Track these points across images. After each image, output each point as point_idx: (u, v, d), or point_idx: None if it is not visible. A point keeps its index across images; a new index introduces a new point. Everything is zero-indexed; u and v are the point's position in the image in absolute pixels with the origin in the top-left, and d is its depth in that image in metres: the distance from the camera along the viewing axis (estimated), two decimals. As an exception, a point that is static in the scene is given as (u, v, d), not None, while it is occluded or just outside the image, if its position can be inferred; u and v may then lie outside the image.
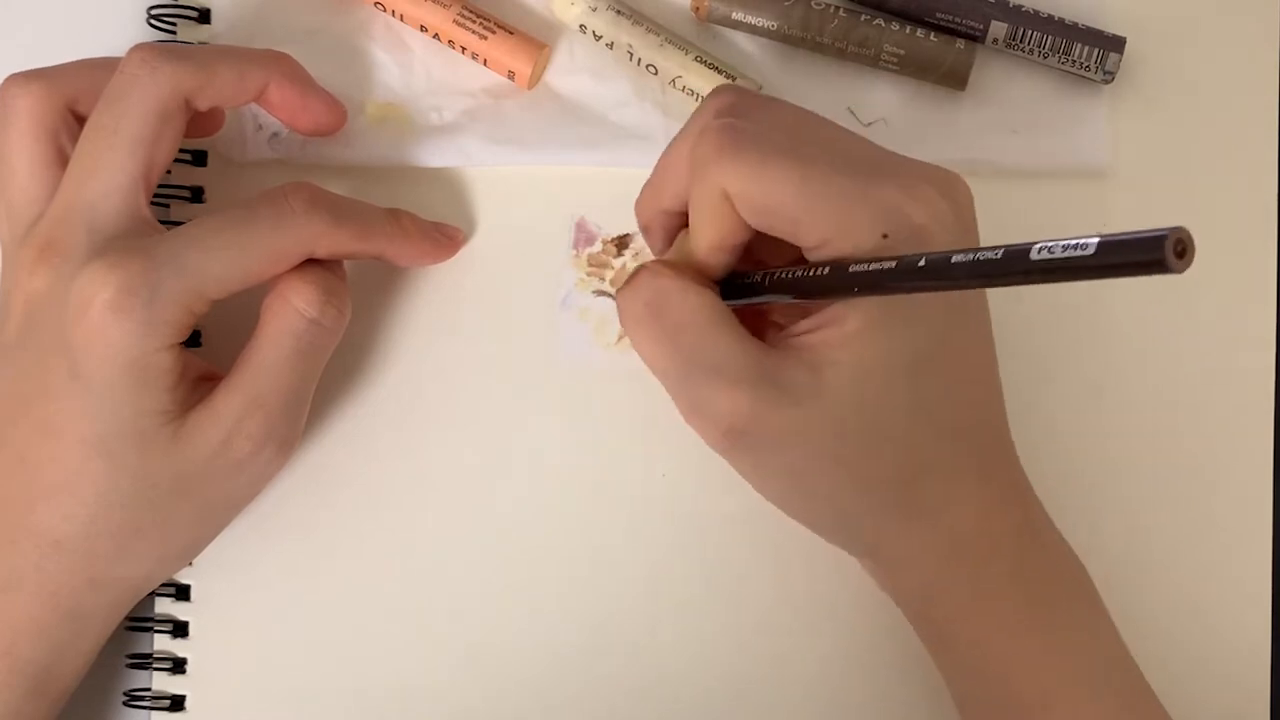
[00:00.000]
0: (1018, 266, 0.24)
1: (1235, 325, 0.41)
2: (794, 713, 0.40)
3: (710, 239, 0.33)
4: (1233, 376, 0.41)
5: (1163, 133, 0.41)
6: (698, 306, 0.33)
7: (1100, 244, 0.22)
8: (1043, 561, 0.35)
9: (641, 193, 0.36)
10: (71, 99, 0.36)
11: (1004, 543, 0.34)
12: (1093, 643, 0.35)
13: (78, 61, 0.37)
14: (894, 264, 0.28)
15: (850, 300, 0.32)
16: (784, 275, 0.32)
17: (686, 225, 0.35)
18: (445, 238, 0.40)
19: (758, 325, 0.34)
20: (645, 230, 0.37)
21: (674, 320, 0.33)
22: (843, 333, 0.32)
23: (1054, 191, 0.41)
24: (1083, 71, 0.40)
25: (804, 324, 0.33)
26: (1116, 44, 0.40)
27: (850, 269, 0.30)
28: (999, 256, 0.25)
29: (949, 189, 0.33)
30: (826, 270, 0.31)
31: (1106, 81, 0.40)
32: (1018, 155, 0.41)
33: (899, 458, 0.33)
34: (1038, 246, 0.23)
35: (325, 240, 0.36)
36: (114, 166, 0.34)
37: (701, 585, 0.41)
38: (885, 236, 0.31)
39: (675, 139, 0.35)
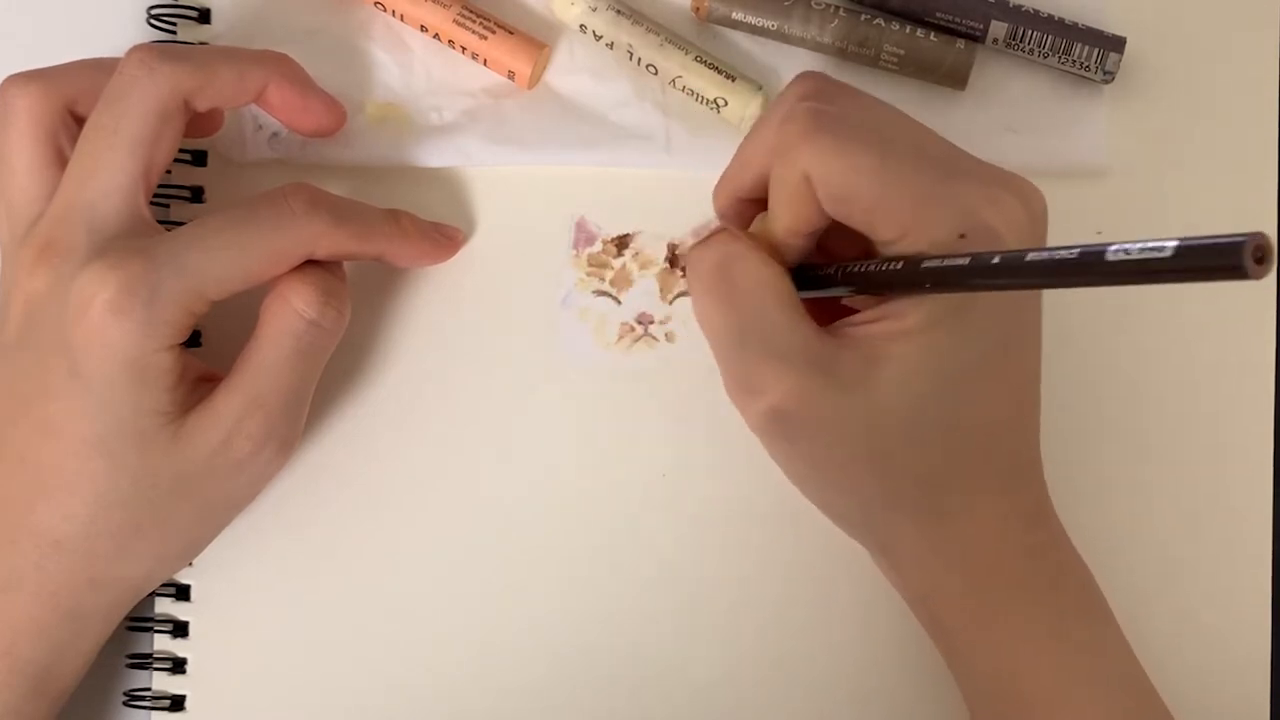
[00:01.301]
0: (1093, 267, 0.24)
1: (1235, 325, 0.41)
2: (795, 713, 0.40)
3: (787, 223, 0.33)
4: (1232, 377, 0.41)
5: (1163, 133, 0.41)
6: (764, 278, 0.33)
7: (1178, 247, 0.22)
8: (1056, 574, 0.35)
9: (720, 179, 0.36)
10: (70, 99, 0.36)
11: (1019, 554, 0.34)
12: (1101, 654, 0.35)
13: (77, 62, 0.37)
14: (968, 260, 0.28)
15: (913, 299, 0.32)
16: (857, 268, 0.32)
17: (763, 212, 0.35)
18: (445, 238, 0.40)
19: (828, 319, 0.34)
20: (722, 218, 0.37)
21: (738, 285, 0.33)
22: (902, 327, 0.32)
23: (1054, 191, 0.41)
24: (1083, 71, 0.40)
25: (865, 314, 0.33)
26: (1116, 44, 0.40)
27: (923, 264, 0.30)
28: (1075, 256, 0.24)
29: (1026, 197, 0.33)
30: (900, 265, 0.31)
31: (1106, 81, 0.40)
32: (1018, 155, 0.41)
33: (929, 460, 0.33)
34: (1114, 248, 0.23)
35: (325, 241, 0.36)
36: (114, 166, 0.34)
37: (702, 585, 0.41)
38: (962, 236, 0.31)
39: (757, 124, 0.35)
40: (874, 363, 0.32)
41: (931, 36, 0.40)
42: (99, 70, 0.36)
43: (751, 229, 0.35)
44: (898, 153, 0.32)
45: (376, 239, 0.38)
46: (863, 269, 0.32)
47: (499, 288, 0.41)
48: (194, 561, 0.40)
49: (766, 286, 0.33)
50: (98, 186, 0.34)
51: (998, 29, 0.40)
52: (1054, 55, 0.40)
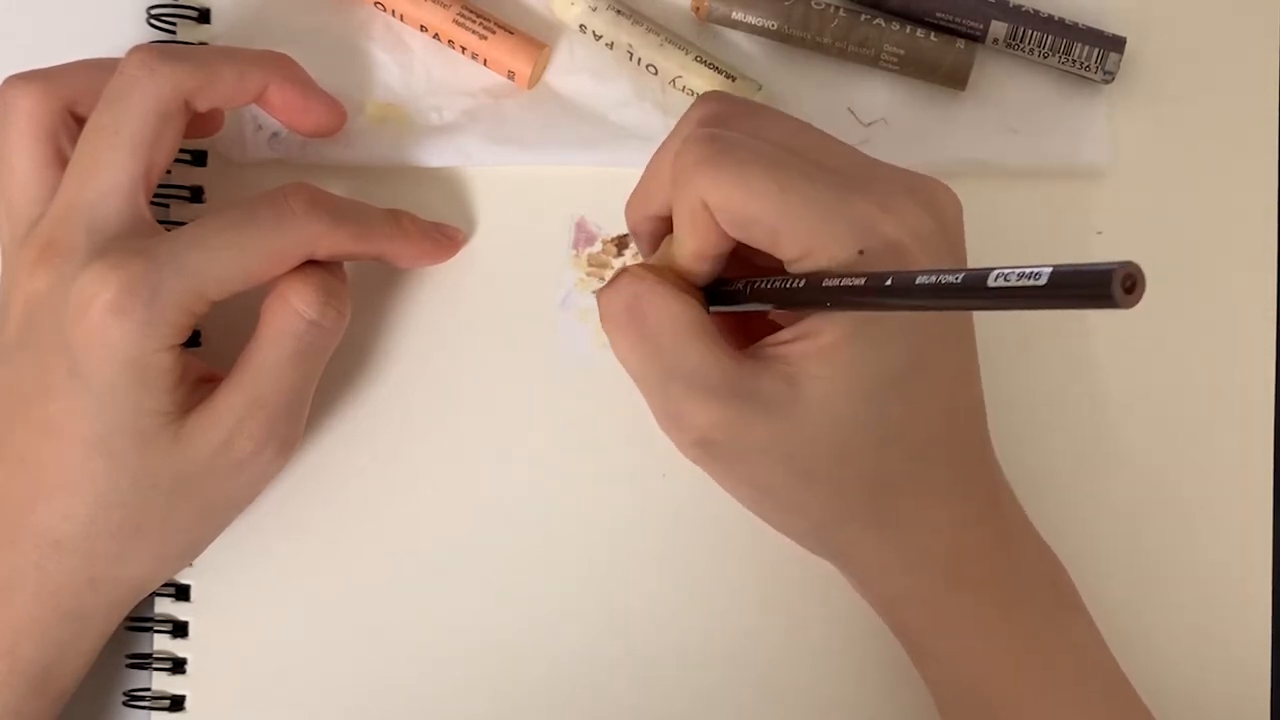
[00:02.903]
0: (976, 291, 0.24)
1: (1235, 325, 0.41)
2: (792, 712, 0.40)
3: (692, 248, 0.33)
4: (1233, 377, 0.41)
5: (1163, 133, 0.41)
6: (676, 313, 0.33)
7: (1052, 275, 0.22)
8: (1017, 572, 0.35)
9: (630, 197, 0.36)
10: (71, 100, 0.36)
11: (976, 556, 0.34)
12: (1067, 647, 0.35)
13: (77, 62, 0.37)
14: (863, 281, 0.28)
15: (828, 314, 0.31)
16: (765, 285, 0.32)
17: (669, 235, 0.35)
18: (445, 238, 0.40)
19: (754, 336, 0.34)
20: (634, 234, 0.37)
21: (651, 324, 0.33)
22: (819, 345, 0.31)
23: (1054, 191, 0.41)
24: (1083, 71, 0.40)
25: (784, 334, 0.32)
26: (1116, 44, 0.40)
27: (824, 283, 0.30)
28: (959, 281, 0.25)
29: (932, 202, 0.32)
30: (802, 283, 0.31)
31: (1106, 81, 0.40)
32: (1018, 155, 0.41)
33: (871, 472, 0.33)
34: (994, 273, 0.24)
35: (325, 241, 0.36)
36: (114, 167, 0.34)
37: (701, 585, 0.41)
38: (861, 252, 0.31)
39: (661, 146, 0.35)
40: (795, 383, 0.32)
41: (931, 36, 0.40)
42: (99, 70, 0.36)
43: (658, 253, 0.35)
44: (795, 172, 0.31)
45: (377, 239, 0.38)
46: (769, 286, 0.32)
47: (499, 288, 0.41)
48: (194, 561, 0.40)
49: (678, 321, 0.33)
50: (98, 187, 0.34)
51: (998, 29, 0.40)
52: (1054, 55, 0.40)
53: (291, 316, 0.35)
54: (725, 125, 0.33)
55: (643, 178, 0.36)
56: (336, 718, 0.40)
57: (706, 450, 0.33)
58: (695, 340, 0.32)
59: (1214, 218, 0.41)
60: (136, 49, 0.36)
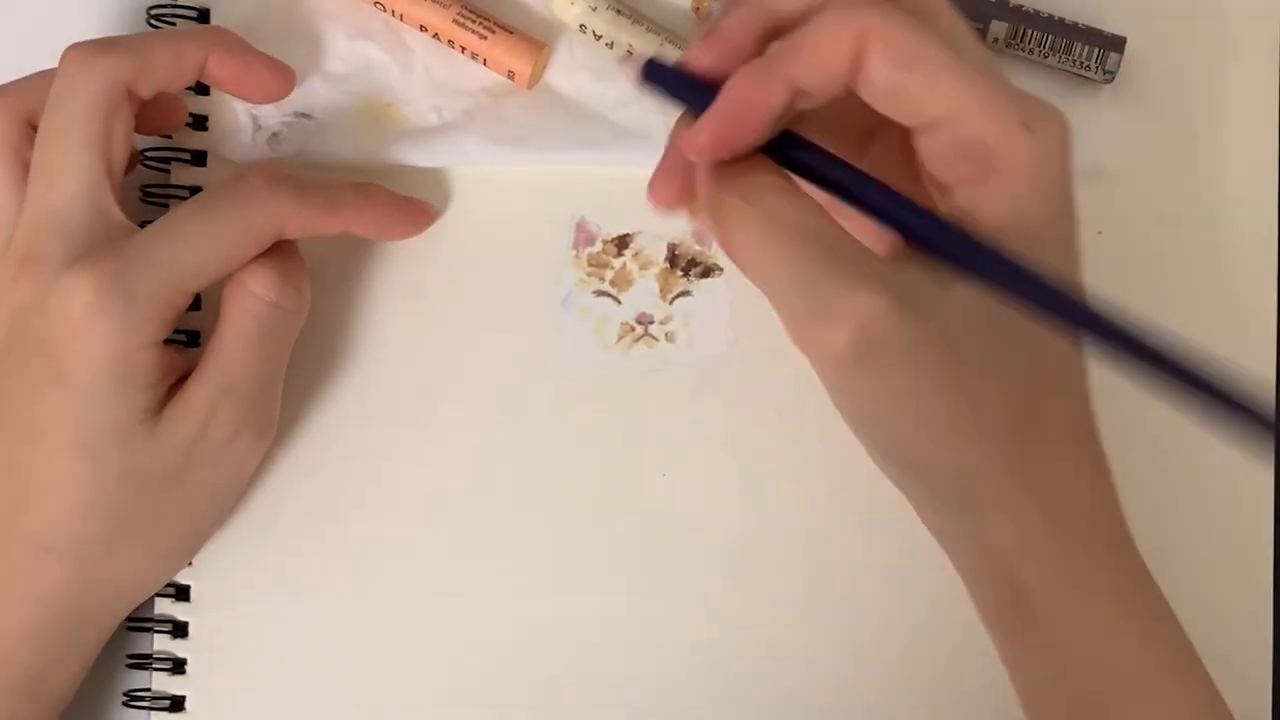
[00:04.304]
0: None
1: (1235, 325, 0.41)
2: (793, 714, 0.40)
3: (806, 79, 0.30)
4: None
5: (1163, 133, 0.41)
6: (806, 202, 0.31)
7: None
8: (1133, 544, 0.33)
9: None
10: (30, 113, 0.36)
11: (1104, 516, 0.32)
12: (1182, 639, 0.32)
13: (33, 75, 0.37)
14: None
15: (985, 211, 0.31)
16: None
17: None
18: (415, 209, 0.40)
19: None
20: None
21: (789, 215, 0.31)
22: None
23: (1054, 191, 0.41)
24: (1083, 71, 0.40)
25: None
26: (1116, 44, 0.40)
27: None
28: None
29: (1064, 122, 0.32)
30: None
31: (1107, 81, 0.40)
32: (1018, 155, 0.41)
33: (1010, 390, 0.31)
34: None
35: (293, 217, 0.36)
36: (74, 170, 0.35)
37: (701, 586, 0.41)
38: (1026, 126, 0.31)
39: None
40: (943, 285, 0.30)
41: (931, 36, 0.40)
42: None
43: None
44: (965, 42, 0.31)
45: (344, 210, 0.38)
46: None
47: (499, 288, 0.41)
48: (193, 561, 0.40)
49: (822, 218, 0.31)
50: (62, 193, 0.35)
51: (998, 29, 0.40)
52: (1054, 55, 0.40)
53: (251, 300, 0.36)
54: None
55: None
56: (337, 717, 0.40)
57: (858, 349, 0.30)
58: (834, 227, 0.31)
59: (1214, 218, 0.41)
60: (71, 47, 0.36)
